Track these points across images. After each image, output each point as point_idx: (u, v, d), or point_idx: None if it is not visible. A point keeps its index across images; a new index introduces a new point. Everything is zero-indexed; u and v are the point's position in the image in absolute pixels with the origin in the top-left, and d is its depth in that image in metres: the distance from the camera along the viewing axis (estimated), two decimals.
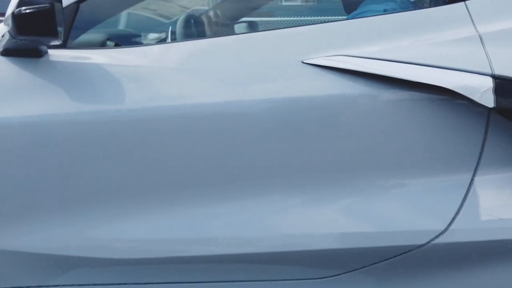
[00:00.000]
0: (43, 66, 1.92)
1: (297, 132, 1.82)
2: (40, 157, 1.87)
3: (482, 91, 1.68)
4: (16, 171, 1.89)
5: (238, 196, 1.85)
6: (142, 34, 2.58)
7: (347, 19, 2.15)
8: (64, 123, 1.88)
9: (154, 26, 3.01)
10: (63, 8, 1.89)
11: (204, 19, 2.83)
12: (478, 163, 1.79)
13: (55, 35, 1.77)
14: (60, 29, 1.81)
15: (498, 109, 1.70)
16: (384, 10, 2.01)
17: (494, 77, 1.70)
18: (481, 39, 1.78)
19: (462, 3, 1.89)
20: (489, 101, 1.68)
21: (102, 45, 2.22)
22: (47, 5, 1.72)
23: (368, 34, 1.88)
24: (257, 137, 1.83)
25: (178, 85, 1.86)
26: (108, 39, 2.24)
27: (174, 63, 1.92)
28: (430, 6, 1.97)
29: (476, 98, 1.68)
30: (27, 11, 1.73)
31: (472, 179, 1.79)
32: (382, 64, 1.78)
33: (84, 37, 2.11)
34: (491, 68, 1.71)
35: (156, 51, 1.98)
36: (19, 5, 1.75)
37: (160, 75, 1.88)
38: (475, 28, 1.82)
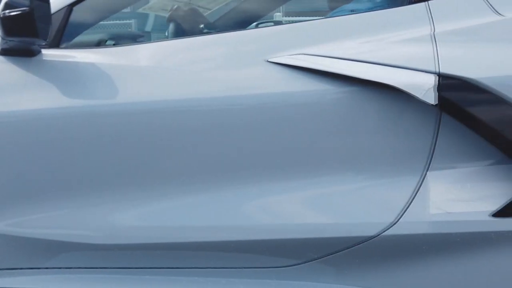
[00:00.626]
0: (35, 65, 2.08)
1: (259, 127, 1.92)
2: (29, 148, 2.04)
3: (425, 88, 1.74)
4: (10, 161, 2.06)
5: (206, 189, 1.96)
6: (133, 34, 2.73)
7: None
8: (50, 116, 2.03)
9: None
10: (52, 11, 2.05)
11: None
12: (430, 159, 1.85)
13: (36, 36, 1.93)
14: (46, 29, 1.97)
15: (441, 106, 1.75)
16: (351, 10, 2.08)
17: (438, 75, 1.75)
18: (434, 38, 1.84)
19: (424, 3, 1.94)
20: (431, 98, 1.74)
21: (96, 45, 2.37)
22: (27, 8, 1.88)
23: (330, 34, 1.97)
24: (223, 131, 1.94)
25: (150, 83, 1.99)
26: (102, 39, 2.40)
27: (148, 61, 2.05)
28: (395, 6, 2.03)
29: (419, 95, 1.74)
30: (11, 13, 1.90)
31: (424, 174, 1.85)
32: (337, 62, 1.86)
33: (80, 37, 2.26)
34: (437, 67, 1.77)
35: (136, 51, 2.11)
36: (4, 8, 1.92)
37: (133, 73, 2.02)
38: (432, 27, 1.88)
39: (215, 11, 3.23)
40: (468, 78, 1.72)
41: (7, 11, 1.91)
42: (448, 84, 1.74)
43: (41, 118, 2.04)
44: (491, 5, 1.88)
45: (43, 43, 2.00)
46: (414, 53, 1.82)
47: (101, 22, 2.34)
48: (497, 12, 1.86)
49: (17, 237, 2.10)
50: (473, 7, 1.90)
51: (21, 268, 2.14)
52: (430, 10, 1.92)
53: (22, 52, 2.09)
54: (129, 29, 2.86)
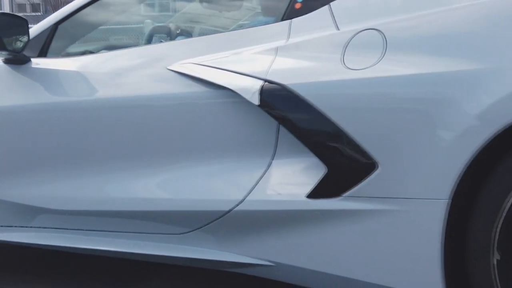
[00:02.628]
0: (23, 70, 2.79)
1: (155, 120, 2.46)
2: (12, 132, 2.74)
3: (252, 91, 2.18)
4: (4, 143, 2.78)
5: (124, 169, 2.54)
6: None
7: None
8: (30, 109, 2.72)
9: None
10: (42, 29, 2.75)
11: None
12: (275, 150, 2.27)
13: (5, 49, 2.63)
14: (20, 43, 2.66)
15: (263, 107, 2.18)
16: (240, 26, 2.54)
17: (265, 81, 2.19)
18: (277, 50, 2.27)
19: (289, 20, 2.37)
20: (255, 100, 2.17)
21: (79, 54, 3.03)
22: None
23: (215, 46, 2.45)
24: (130, 124, 2.51)
25: (87, 84, 2.61)
26: (85, 50, 3.05)
27: (91, 68, 2.67)
28: (271, 23, 2.46)
29: (247, 97, 2.19)
30: None
31: (270, 163, 2.28)
32: (206, 69, 2.35)
33: (64, 48, 2.94)
34: (266, 74, 2.20)
35: (91, 60, 2.74)
36: None
37: (83, 77, 2.65)
38: (285, 41, 2.30)
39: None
40: (281, 84, 2.13)
41: None
42: (269, 89, 2.16)
43: (22, 111, 2.73)
44: (335, 21, 2.25)
45: (16, 54, 2.67)
46: (260, 62, 2.25)
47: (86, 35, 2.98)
48: (337, 27, 2.23)
49: (11, 202, 2.80)
50: (323, 23, 2.28)
51: (15, 226, 2.84)
52: (291, 27, 2.33)
53: (14, 61, 2.79)
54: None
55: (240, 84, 2.20)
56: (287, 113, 2.12)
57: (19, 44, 2.70)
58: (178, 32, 3.26)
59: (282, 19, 2.37)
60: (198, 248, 2.44)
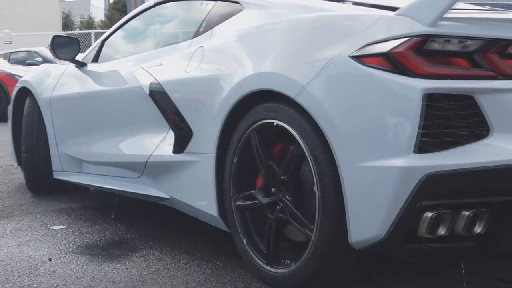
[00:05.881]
0: (82, 70, 4.42)
1: (129, 102, 3.92)
2: (72, 110, 4.40)
3: (147, 85, 3.55)
4: (66, 118, 4.46)
5: (115, 134, 4.05)
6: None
7: None
8: (83, 94, 4.35)
9: None
10: (94, 45, 4.37)
11: None
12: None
13: (58, 58, 4.28)
14: (71, 54, 4.31)
15: (151, 95, 3.53)
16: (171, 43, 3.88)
17: (154, 78, 3.54)
18: (171, 59, 3.61)
19: (191, 39, 3.69)
20: (147, 90, 3.52)
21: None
22: (50, 45, 4.25)
23: (156, 56, 3.84)
24: (114, 105, 4.00)
25: (93, 80, 4.17)
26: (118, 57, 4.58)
27: (101, 68, 4.22)
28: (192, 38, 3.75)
29: (145, 89, 3.56)
30: (48, 47, 4.29)
31: (167, 131, 3.59)
32: (141, 70, 3.76)
33: (108, 56, 4.52)
34: (157, 74, 3.56)
35: (114, 64, 4.28)
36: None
37: (104, 75, 4.21)
38: (183, 53, 3.62)
39: None
40: (157, 79, 3.46)
41: (48, 46, 4.28)
42: (153, 83, 3.50)
43: (78, 96, 4.36)
44: (211, 38, 3.53)
45: (69, 60, 4.31)
46: (160, 67, 3.60)
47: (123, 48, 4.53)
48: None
49: (71, 156, 4.45)
50: (204, 40, 3.56)
51: (73, 171, 4.48)
52: (191, 44, 3.63)
53: (78, 65, 4.45)
54: None
55: (145, 81, 3.56)
56: (159, 99, 3.43)
57: (71, 55, 4.31)
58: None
59: (192, 38, 3.65)
60: (146, 187, 3.79)
